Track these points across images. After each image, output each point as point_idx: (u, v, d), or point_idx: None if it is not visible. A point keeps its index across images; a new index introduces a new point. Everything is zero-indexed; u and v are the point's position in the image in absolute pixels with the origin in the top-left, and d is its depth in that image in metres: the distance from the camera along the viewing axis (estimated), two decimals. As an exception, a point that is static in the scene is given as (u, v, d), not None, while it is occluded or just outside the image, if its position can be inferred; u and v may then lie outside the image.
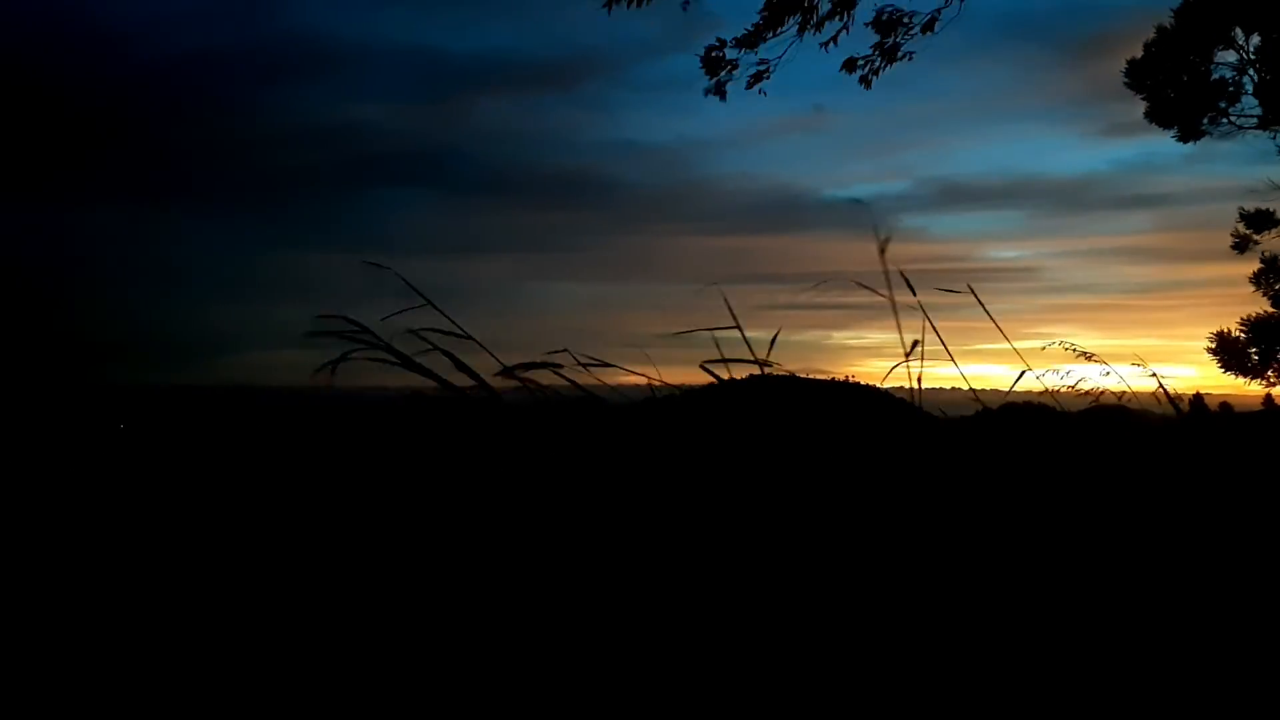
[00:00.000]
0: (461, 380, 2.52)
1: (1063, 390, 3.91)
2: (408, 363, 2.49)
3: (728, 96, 7.16)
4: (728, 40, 6.96)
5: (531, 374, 2.62)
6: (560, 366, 2.67)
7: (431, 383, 2.49)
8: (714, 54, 6.98)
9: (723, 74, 7.03)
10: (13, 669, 2.00)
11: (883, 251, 2.99)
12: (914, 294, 2.97)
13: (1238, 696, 2.01)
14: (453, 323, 2.56)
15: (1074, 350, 3.78)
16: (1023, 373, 3.26)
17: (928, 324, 3.00)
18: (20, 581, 2.40)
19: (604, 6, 6.44)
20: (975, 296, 3.00)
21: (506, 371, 2.58)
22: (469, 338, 2.55)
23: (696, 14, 6.71)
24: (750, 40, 6.87)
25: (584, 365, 2.73)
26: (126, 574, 2.39)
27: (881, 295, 2.96)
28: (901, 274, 2.96)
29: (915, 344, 3.00)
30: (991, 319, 3.08)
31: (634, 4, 6.38)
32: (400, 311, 2.54)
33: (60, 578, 2.37)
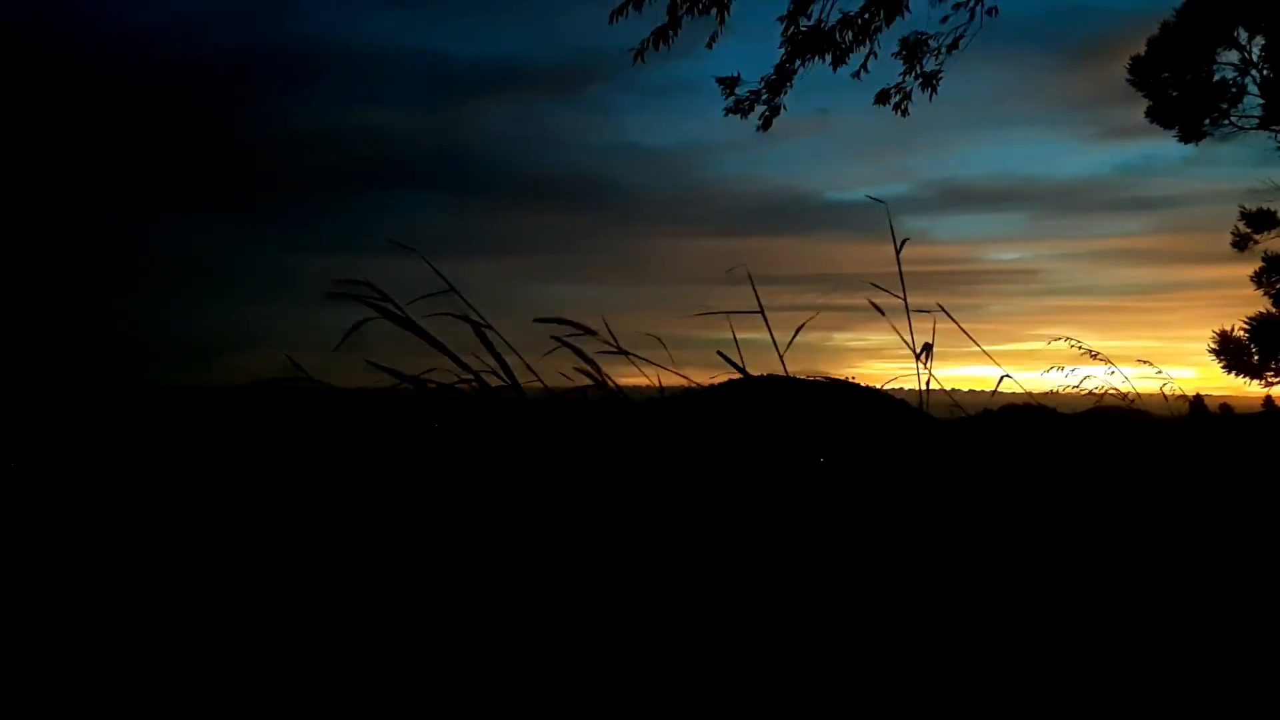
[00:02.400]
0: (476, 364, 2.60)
1: (1064, 391, 3.94)
2: (422, 334, 2.57)
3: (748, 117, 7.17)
4: (756, 81, 6.97)
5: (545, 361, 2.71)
6: (593, 332, 2.75)
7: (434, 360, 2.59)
8: (734, 86, 7.00)
9: (745, 103, 7.03)
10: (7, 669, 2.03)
11: (899, 252, 3.00)
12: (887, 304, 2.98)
13: (1237, 694, 2.03)
14: (472, 310, 2.63)
15: (1079, 348, 3.80)
16: (1003, 377, 3.28)
17: (937, 327, 3.02)
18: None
19: (612, 18, 6.55)
20: (948, 314, 3.02)
21: (541, 320, 2.68)
22: (488, 326, 2.62)
23: (702, 20, 6.72)
24: (777, 85, 6.87)
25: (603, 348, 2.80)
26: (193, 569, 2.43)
27: (896, 297, 2.98)
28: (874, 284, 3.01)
29: (927, 346, 3.00)
30: (966, 333, 3.10)
31: (633, 9, 6.46)
32: (419, 297, 2.62)
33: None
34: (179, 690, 1.95)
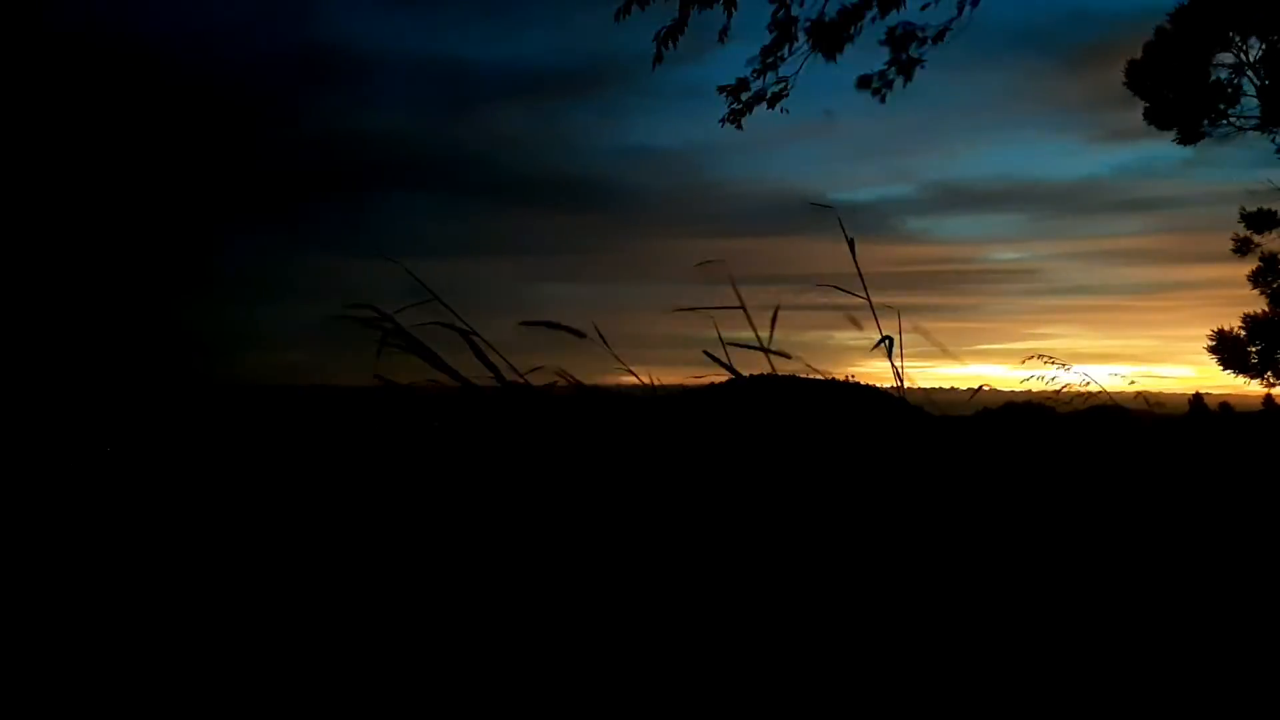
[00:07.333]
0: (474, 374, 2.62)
1: (1063, 391, 3.95)
2: (432, 359, 2.59)
3: (743, 126, 7.27)
4: (748, 74, 7.06)
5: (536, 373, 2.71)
6: (581, 334, 2.76)
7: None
8: (739, 93, 7.09)
9: (744, 97, 7.12)
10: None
11: (853, 253, 2.99)
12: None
13: (1235, 694, 2.03)
14: (459, 319, 2.64)
15: (1051, 362, 3.85)
16: (979, 388, 3.29)
17: (920, 324, 3.01)
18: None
19: (617, 16, 6.66)
20: (899, 318, 3.00)
21: (527, 324, 2.70)
22: (474, 334, 2.63)
23: (706, 23, 6.80)
24: (766, 65, 6.98)
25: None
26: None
27: (859, 297, 2.96)
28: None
29: (888, 340, 2.97)
30: (945, 341, 3.08)
31: (637, 7, 6.54)
32: (407, 305, 2.64)
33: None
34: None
